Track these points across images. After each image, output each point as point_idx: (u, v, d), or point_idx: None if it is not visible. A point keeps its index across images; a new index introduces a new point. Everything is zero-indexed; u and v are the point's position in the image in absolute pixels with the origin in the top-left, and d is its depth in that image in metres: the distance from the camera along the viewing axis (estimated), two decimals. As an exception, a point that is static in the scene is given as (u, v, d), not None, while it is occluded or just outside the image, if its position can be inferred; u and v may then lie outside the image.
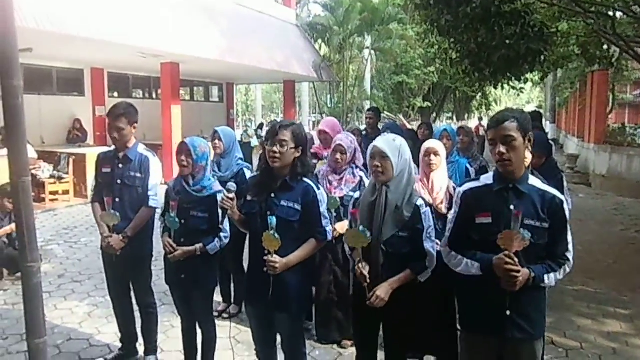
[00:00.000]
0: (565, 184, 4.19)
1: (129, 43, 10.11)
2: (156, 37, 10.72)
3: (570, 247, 2.32)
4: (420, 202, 2.68)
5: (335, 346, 4.08)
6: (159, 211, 3.50)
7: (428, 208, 2.72)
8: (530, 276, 2.20)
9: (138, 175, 3.49)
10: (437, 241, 2.72)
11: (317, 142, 4.77)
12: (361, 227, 2.54)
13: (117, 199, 3.48)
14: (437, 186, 3.52)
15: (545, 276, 2.25)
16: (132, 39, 10.13)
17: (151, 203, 3.48)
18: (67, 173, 10.37)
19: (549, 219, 2.25)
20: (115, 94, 14.86)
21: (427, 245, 2.64)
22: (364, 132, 6.58)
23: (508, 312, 2.29)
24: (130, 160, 3.51)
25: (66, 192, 10.35)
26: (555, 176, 3.98)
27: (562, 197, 2.31)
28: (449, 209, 3.57)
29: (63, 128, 12.93)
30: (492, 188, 2.33)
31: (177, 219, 3.11)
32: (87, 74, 13.86)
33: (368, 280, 2.57)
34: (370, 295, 2.57)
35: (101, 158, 3.68)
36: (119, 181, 3.50)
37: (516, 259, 2.16)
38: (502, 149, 2.21)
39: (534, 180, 2.33)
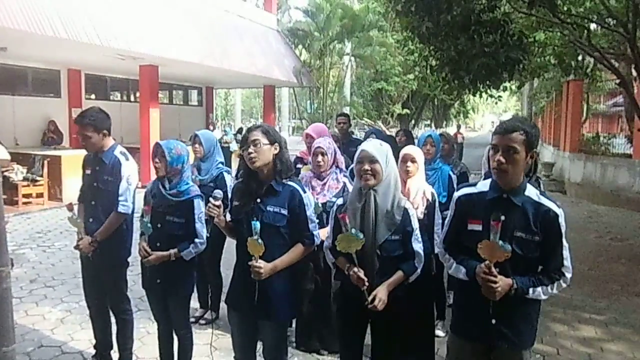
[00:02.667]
0: (541, 186, 4.23)
1: (107, 44, 9.97)
2: (135, 39, 10.59)
3: (567, 262, 2.26)
4: (407, 204, 2.70)
5: (314, 353, 4.04)
6: (138, 215, 3.43)
7: (415, 210, 2.72)
8: (512, 287, 2.18)
9: (110, 179, 3.40)
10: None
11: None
12: (353, 230, 2.52)
13: (93, 202, 3.42)
14: (413, 192, 3.57)
15: (531, 289, 2.22)
16: (110, 40, 9.99)
17: (120, 208, 3.37)
18: (42, 175, 10.15)
19: (542, 233, 2.21)
20: (93, 96, 14.63)
21: (416, 246, 2.66)
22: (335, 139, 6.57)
23: (494, 321, 2.28)
24: (104, 163, 3.42)
25: (40, 195, 10.13)
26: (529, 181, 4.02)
27: (558, 210, 2.24)
28: (427, 214, 3.62)
29: (38, 130, 12.68)
30: (486, 196, 2.31)
31: (149, 224, 3.06)
32: (64, 75, 13.63)
33: (367, 284, 2.56)
34: (371, 299, 2.55)
35: (85, 160, 3.60)
36: (95, 184, 3.44)
37: (494, 270, 2.14)
38: (502, 158, 2.18)
39: (531, 192, 2.28)
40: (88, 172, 3.51)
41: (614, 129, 24.55)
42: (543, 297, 2.26)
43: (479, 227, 2.27)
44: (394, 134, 6.49)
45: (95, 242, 3.35)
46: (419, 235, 2.70)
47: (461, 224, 2.36)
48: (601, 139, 15.42)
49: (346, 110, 22.10)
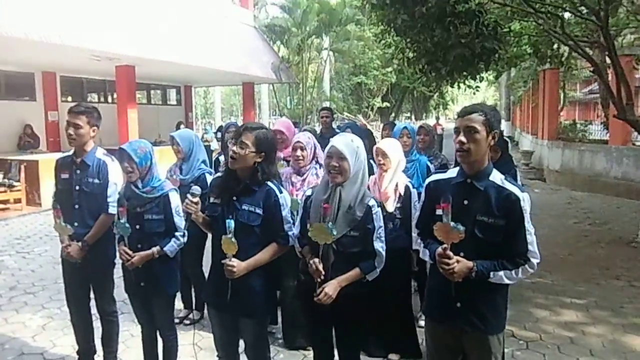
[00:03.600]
0: (518, 179, 4.28)
1: (82, 45, 9.81)
2: (110, 40, 10.44)
3: (532, 247, 2.25)
4: (372, 202, 2.67)
5: (300, 350, 4.04)
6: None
7: (379, 209, 2.71)
8: (472, 269, 2.21)
9: (96, 181, 3.36)
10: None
11: None
12: (330, 224, 2.52)
13: (77, 206, 3.36)
14: (384, 185, 3.62)
15: (492, 272, 2.23)
16: (84, 41, 9.84)
17: (110, 210, 3.35)
18: (19, 181, 9.98)
19: (504, 217, 2.24)
20: (69, 99, 14.42)
21: (377, 245, 2.63)
22: (319, 133, 6.58)
23: (458, 305, 2.32)
24: (88, 166, 3.37)
25: (18, 201, 9.95)
26: (509, 171, 4.07)
27: (520, 194, 2.25)
28: (402, 208, 3.65)
29: (13, 134, 12.47)
30: (452, 181, 2.36)
31: (127, 225, 3.02)
32: (38, 77, 13.42)
33: (322, 276, 2.56)
34: (318, 292, 2.56)
35: (59, 164, 3.53)
36: (77, 187, 3.37)
37: (449, 252, 2.19)
38: (463, 138, 2.23)
39: (495, 176, 2.32)
40: (65, 176, 3.43)
41: (590, 116, 24.98)
42: (506, 281, 2.27)
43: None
44: (374, 128, 6.51)
45: (87, 246, 3.31)
46: (382, 234, 2.67)
47: (431, 208, 2.39)
48: (578, 126, 15.69)
49: (326, 105, 22.11)
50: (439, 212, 2.28)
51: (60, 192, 3.47)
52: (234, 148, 2.63)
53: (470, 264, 2.22)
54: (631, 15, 9.05)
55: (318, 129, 7.88)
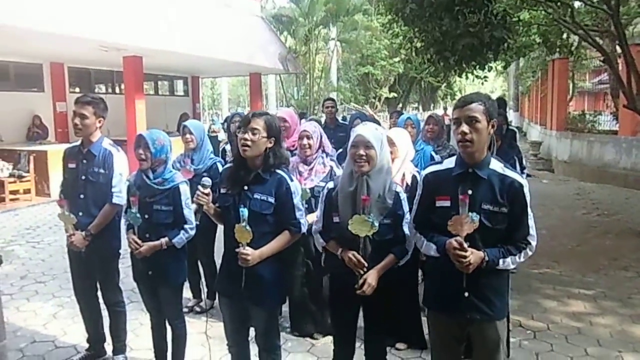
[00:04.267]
0: (517, 166, 4.28)
1: (90, 36, 9.79)
2: (118, 30, 10.43)
3: (532, 231, 2.32)
4: (398, 188, 2.71)
5: (308, 338, 4.07)
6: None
7: (405, 194, 2.74)
8: (483, 259, 2.23)
9: (102, 171, 3.39)
10: None
11: None
12: (371, 216, 2.53)
13: (82, 196, 3.38)
14: (393, 173, 3.56)
15: (501, 260, 2.27)
16: (92, 31, 9.82)
17: (115, 200, 3.37)
18: (28, 171, 10.05)
19: (508, 204, 2.27)
20: (77, 89, 14.43)
21: (406, 229, 2.66)
22: (323, 124, 6.57)
23: (466, 294, 2.33)
24: (94, 156, 3.40)
25: (27, 191, 10.03)
26: (511, 159, 4.09)
27: (522, 181, 2.30)
28: (408, 197, 3.64)
29: (22, 125, 12.50)
30: (452, 172, 2.36)
31: (138, 215, 3.05)
32: (47, 68, 13.42)
33: (365, 268, 2.59)
34: (361, 283, 2.58)
35: (67, 153, 3.56)
36: (83, 177, 3.40)
37: (464, 244, 2.19)
38: (465, 128, 2.24)
39: (495, 165, 2.34)
40: (72, 165, 3.47)
41: (599, 106, 24.72)
42: (512, 266, 2.32)
43: (447, 203, 2.32)
44: (381, 118, 6.50)
45: (90, 235, 3.33)
46: (409, 217, 2.68)
47: (430, 201, 2.40)
48: (587, 116, 15.54)
49: (333, 95, 22.05)
50: (440, 203, 2.30)
51: (67, 182, 3.51)
52: (245, 135, 2.62)
53: (481, 254, 2.23)
54: (643, 3, 8.92)
55: (322, 119, 7.89)
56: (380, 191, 2.63)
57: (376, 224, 2.53)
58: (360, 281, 2.58)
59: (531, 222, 2.33)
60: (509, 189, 2.28)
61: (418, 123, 4.50)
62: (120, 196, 3.38)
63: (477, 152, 2.28)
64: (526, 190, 2.30)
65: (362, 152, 2.58)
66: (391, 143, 3.62)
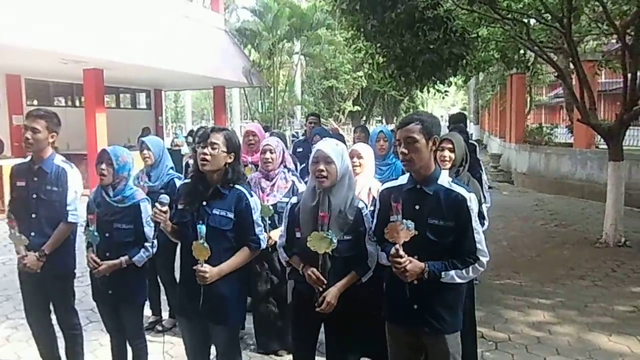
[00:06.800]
0: (484, 182, 4.36)
1: (49, 49, 9.60)
2: (78, 43, 10.24)
3: (480, 246, 2.34)
4: (361, 204, 2.70)
5: (272, 355, 4.03)
6: (82, 226, 3.32)
7: (368, 210, 2.74)
8: (424, 270, 2.27)
9: (55, 189, 3.24)
10: None
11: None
12: (330, 232, 2.52)
13: (34, 215, 3.24)
14: (359, 188, 3.59)
15: (443, 272, 2.31)
16: (51, 44, 9.62)
17: (70, 218, 3.25)
18: (-19, 187, 9.71)
19: (454, 218, 2.32)
20: (35, 102, 14.09)
21: (369, 246, 2.65)
22: (302, 138, 6.58)
23: (415, 307, 2.38)
24: (46, 173, 3.26)
25: (-20, 208, 9.68)
26: (474, 174, 4.17)
27: (466, 195, 2.33)
28: (373, 211, 3.67)
29: (-24, 139, 12.11)
30: (403, 188, 2.44)
31: (96, 233, 2.97)
32: (2, 80, 13.06)
33: (325, 285, 2.57)
34: (320, 301, 2.57)
35: (15, 170, 3.40)
36: (34, 195, 3.25)
37: (400, 250, 2.24)
38: (404, 149, 2.32)
39: (443, 180, 2.40)
40: (21, 183, 3.31)
41: (556, 119, 25.52)
42: (458, 280, 2.34)
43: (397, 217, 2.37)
44: (345, 131, 6.54)
45: (44, 256, 3.19)
46: (373, 234, 2.69)
47: (385, 215, 2.44)
48: (544, 129, 16.03)
49: (297, 109, 22.13)
50: (392, 218, 2.33)
51: (16, 201, 3.34)
52: (205, 150, 2.62)
53: (421, 264, 2.28)
54: (593, 22, 9.33)
55: (300, 132, 7.88)
56: (342, 207, 2.62)
57: (335, 240, 2.52)
58: (320, 299, 2.57)
59: (478, 237, 2.35)
60: (453, 202, 2.33)
61: (390, 136, 4.52)
62: (75, 214, 3.27)
63: (421, 169, 2.36)
64: (470, 203, 2.33)
65: (322, 167, 2.59)
66: (359, 157, 3.64)
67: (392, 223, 2.25)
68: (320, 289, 2.58)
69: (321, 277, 2.56)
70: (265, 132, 5.48)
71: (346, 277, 2.63)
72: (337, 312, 2.61)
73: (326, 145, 2.66)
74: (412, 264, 2.26)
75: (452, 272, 2.31)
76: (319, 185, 2.62)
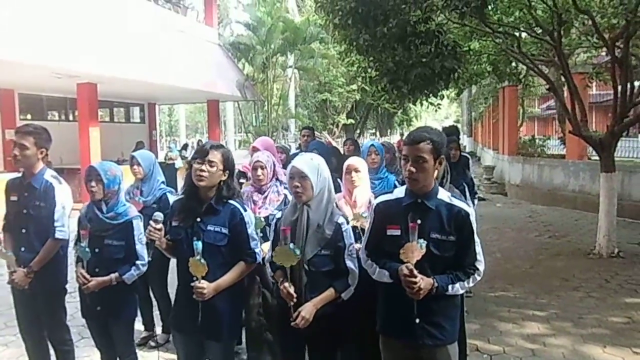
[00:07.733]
0: (467, 193, 4.42)
1: (42, 63, 9.60)
2: (71, 57, 10.25)
3: (480, 256, 2.40)
4: (341, 219, 2.68)
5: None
6: (72, 241, 3.30)
7: (349, 225, 2.72)
8: (433, 286, 2.28)
9: (42, 204, 3.23)
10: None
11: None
12: (292, 245, 2.51)
13: (24, 230, 3.24)
14: (360, 202, 3.57)
15: (450, 286, 2.33)
16: (45, 59, 9.63)
17: (57, 234, 3.23)
18: (-27, 202, 9.62)
19: (456, 232, 2.35)
20: (28, 116, 14.05)
21: (349, 262, 2.64)
22: (297, 151, 6.60)
23: (417, 320, 2.37)
24: (35, 188, 3.25)
25: (-28, 223, 9.58)
26: (464, 179, 4.22)
27: (469, 210, 2.38)
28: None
29: (-32, 153, 12.07)
30: (402, 202, 2.42)
31: (87, 249, 2.94)
32: (-6, 95, 13.05)
33: (295, 300, 2.54)
34: (295, 316, 2.54)
35: (9, 185, 3.41)
36: (24, 211, 3.25)
37: (415, 271, 2.22)
38: (412, 168, 2.31)
39: (442, 195, 2.42)
40: (14, 198, 3.32)
41: (548, 131, 25.74)
42: (461, 291, 2.39)
43: (397, 232, 2.38)
44: (339, 145, 6.56)
45: (32, 272, 3.17)
46: (354, 251, 2.67)
47: (381, 230, 2.45)
48: (537, 141, 16.15)
49: (291, 122, 22.18)
50: (390, 232, 2.35)
51: (10, 215, 3.35)
52: (202, 167, 2.62)
53: (431, 281, 2.28)
54: (583, 35, 9.44)
55: (294, 145, 7.92)
56: (320, 221, 2.61)
57: (297, 253, 2.49)
58: (295, 314, 2.55)
59: (478, 248, 2.41)
60: (456, 218, 2.36)
61: (382, 150, 4.54)
62: (63, 230, 3.25)
63: (424, 186, 2.37)
64: (472, 218, 2.38)
65: (296, 182, 2.60)
66: (356, 171, 3.64)
67: (409, 244, 2.24)
68: (291, 304, 2.55)
69: (291, 292, 2.53)
70: (283, 153, 5.44)
71: (324, 293, 2.60)
72: (318, 330, 2.58)
73: (300, 161, 2.66)
74: (424, 282, 2.26)
75: (457, 285, 2.35)
76: (297, 200, 2.64)
